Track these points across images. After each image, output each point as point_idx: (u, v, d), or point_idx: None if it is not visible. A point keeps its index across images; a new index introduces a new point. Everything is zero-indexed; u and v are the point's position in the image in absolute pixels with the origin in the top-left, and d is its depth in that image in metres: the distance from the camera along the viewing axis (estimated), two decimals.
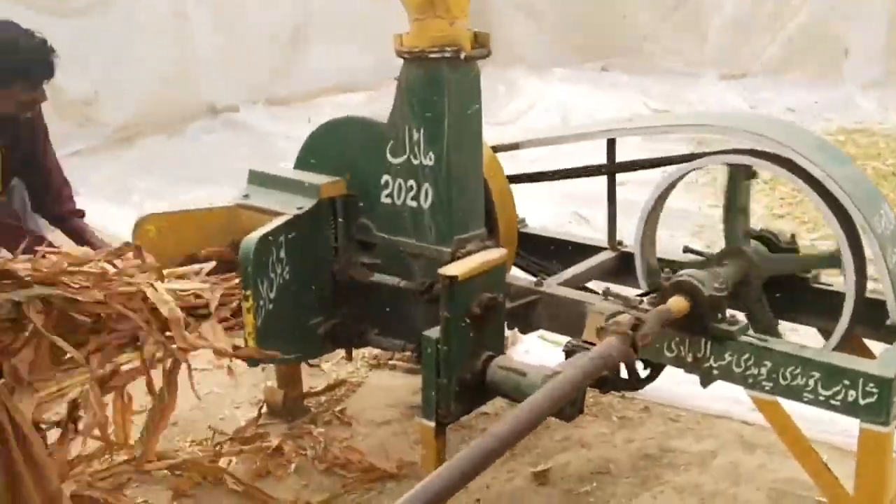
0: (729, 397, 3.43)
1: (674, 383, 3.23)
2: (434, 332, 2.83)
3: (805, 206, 5.99)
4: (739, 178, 3.05)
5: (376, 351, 4.13)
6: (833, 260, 2.85)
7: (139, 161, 7.85)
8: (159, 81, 8.36)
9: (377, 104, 8.71)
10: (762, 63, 10.42)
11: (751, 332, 2.62)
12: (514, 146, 3.55)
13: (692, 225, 5.95)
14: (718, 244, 3.21)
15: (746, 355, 2.58)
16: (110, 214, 6.37)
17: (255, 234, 2.95)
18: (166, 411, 2.96)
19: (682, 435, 3.55)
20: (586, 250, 3.53)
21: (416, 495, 1.86)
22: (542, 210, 5.91)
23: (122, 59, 7.99)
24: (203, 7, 8.94)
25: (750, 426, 3.54)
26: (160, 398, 2.91)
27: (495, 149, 3.45)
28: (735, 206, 3.06)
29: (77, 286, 2.72)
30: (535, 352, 4.09)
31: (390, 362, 4.22)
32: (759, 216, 5.99)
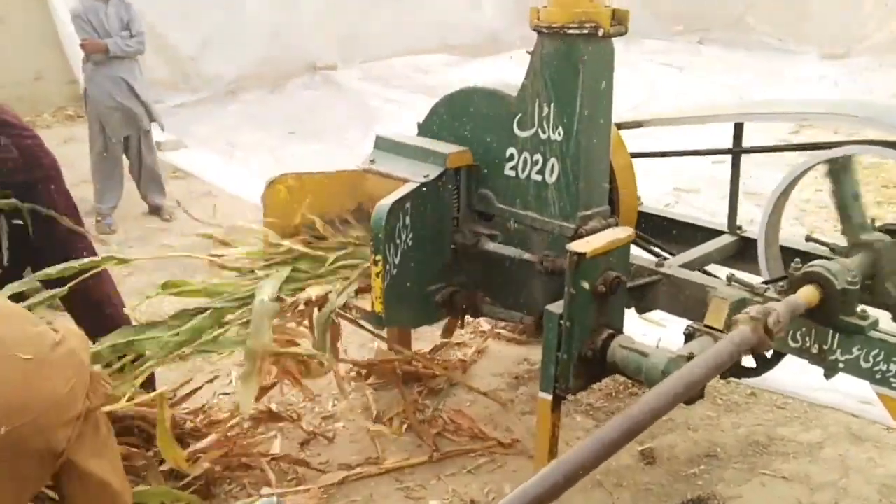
0: (836, 388, 3.40)
1: (783, 369, 3.22)
2: (557, 307, 2.85)
3: None
4: (841, 171, 2.95)
5: (483, 319, 4.18)
6: None
7: (243, 114, 7.99)
8: (264, 38, 8.51)
9: (477, 69, 8.71)
10: (868, 44, 10.12)
11: (882, 327, 2.59)
12: (637, 124, 3.53)
13: (794, 210, 5.85)
14: (823, 230, 3.15)
15: (876, 351, 2.56)
16: (215, 167, 6.54)
17: (387, 201, 3.01)
18: None
19: (789, 423, 3.54)
20: (706, 233, 3.50)
21: (550, 475, 1.89)
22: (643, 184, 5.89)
23: (229, 16, 8.16)
24: None
25: (858, 419, 3.52)
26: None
27: (619, 126, 3.44)
28: (847, 199, 2.97)
29: None
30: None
31: (495, 331, 4.27)
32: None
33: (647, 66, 10.10)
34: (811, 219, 5.61)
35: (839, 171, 2.96)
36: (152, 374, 3.11)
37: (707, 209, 5.63)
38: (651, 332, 4.16)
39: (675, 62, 10.27)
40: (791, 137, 7.14)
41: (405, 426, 3.50)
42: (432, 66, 9.90)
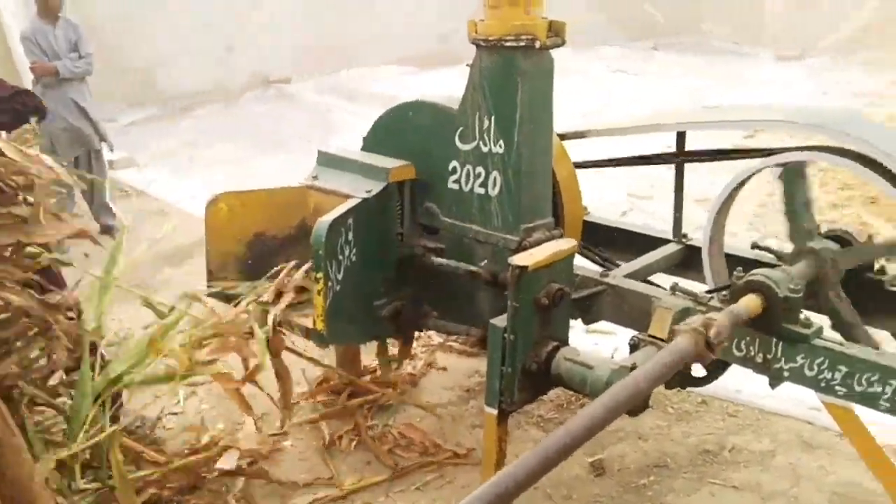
0: (787, 396, 3.40)
1: (732, 377, 3.21)
2: (501, 321, 2.82)
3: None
4: (795, 176, 2.95)
5: (433, 333, 4.15)
6: None
7: (197, 130, 7.92)
8: (216, 54, 8.46)
9: (435, 80, 8.71)
10: (822, 45, 10.23)
11: (825, 335, 2.59)
12: (581, 134, 3.52)
13: (749, 215, 5.88)
14: (775, 233, 3.15)
15: (820, 359, 2.55)
16: (169, 185, 6.46)
17: (327, 218, 2.97)
18: None
19: (740, 431, 3.53)
20: (652, 242, 3.49)
21: (490, 489, 1.87)
22: (598, 192, 5.91)
23: (182, 32, 8.09)
24: None
25: (809, 426, 3.52)
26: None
27: (562, 137, 3.42)
28: (796, 205, 2.97)
29: None
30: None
31: (447, 345, 4.23)
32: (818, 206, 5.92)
33: (602, 73, 10.15)
34: (766, 223, 5.64)
35: (791, 178, 2.96)
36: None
37: (661, 215, 5.63)
38: (603, 341, 4.16)
39: (630, 68, 10.32)
40: (746, 142, 7.18)
41: (354, 443, 3.44)
42: (387, 77, 9.88)
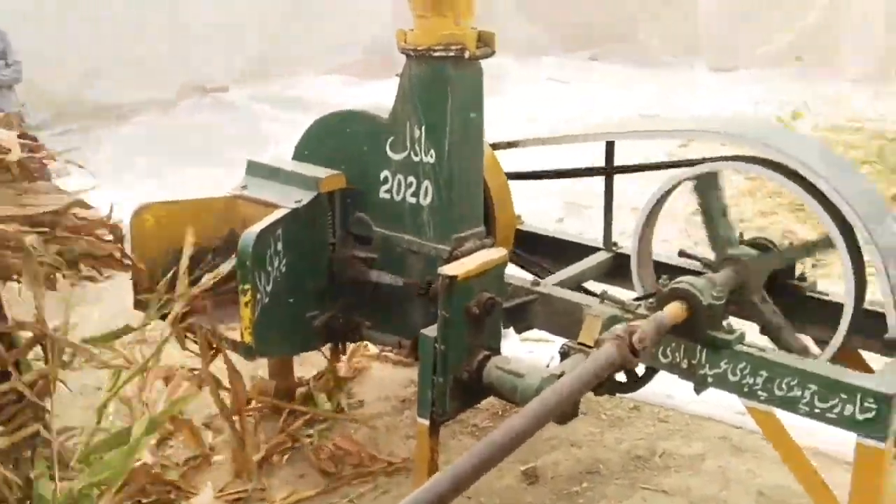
0: (717, 400, 3.45)
1: (663, 382, 3.25)
2: (432, 331, 2.83)
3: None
4: (708, 187, 3.02)
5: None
6: (825, 243, 2.83)
7: (132, 140, 7.81)
8: (152, 62, 8.34)
9: (377, 90, 8.71)
10: (754, 57, 10.43)
11: (747, 341, 2.64)
12: (513, 144, 3.54)
13: (682, 223, 5.96)
14: (707, 241, 3.18)
15: (742, 364, 2.60)
16: (102, 195, 6.33)
17: (254, 229, 2.94)
18: None
19: (671, 436, 3.58)
20: (582, 250, 3.53)
21: (421, 496, 1.87)
22: (534, 201, 5.96)
23: (116, 41, 7.97)
24: None
25: (738, 429, 3.57)
26: None
27: (494, 146, 3.44)
28: (713, 214, 3.03)
29: None
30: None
31: (383, 355, 4.22)
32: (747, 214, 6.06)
33: (541, 83, 10.24)
34: (699, 231, 5.72)
35: (704, 188, 3.01)
36: None
37: (598, 223, 5.68)
38: (538, 349, 4.18)
39: (569, 78, 10.42)
40: (681, 151, 7.29)
41: (286, 457, 3.41)
42: (328, 86, 9.84)
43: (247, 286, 2.92)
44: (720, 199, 3.04)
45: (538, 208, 6.07)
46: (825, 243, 2.80)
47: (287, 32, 9.95)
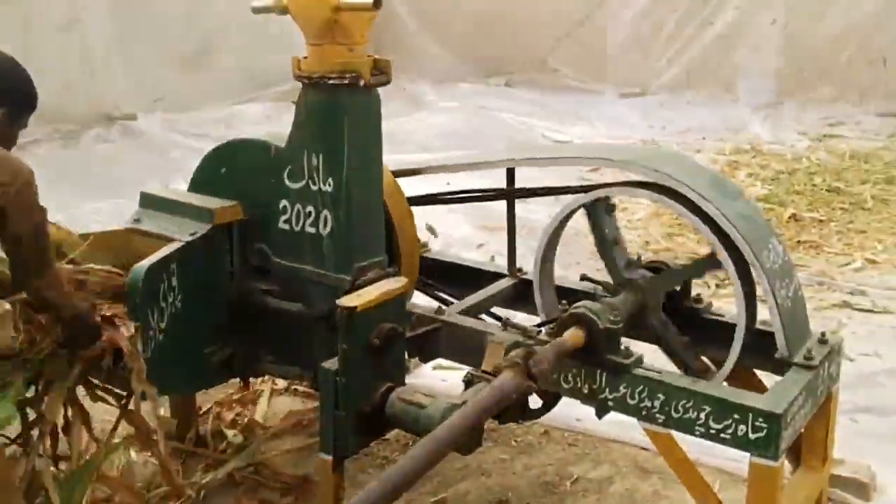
0: (625, 422, 3.47)
1: (572, 405, 3.26)
2: (332, 364, 2.78)
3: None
4: (601, 213, 3.07)
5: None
6: (712, 261, 2.89)
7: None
8: (54, 89, 8.12)
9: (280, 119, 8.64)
10: (660, 83, 10.69)
11: (645, 364, 2.66)
12: (414, 171, 3.53)
13: (591, 245, 6.03)
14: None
15: (640, 387, 2.62)
16: None
17: (144, 264, 2.86)
18: None
19: (580, 461, 3.58)
20: (486, 276, 3.53)
21: None
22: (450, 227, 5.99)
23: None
24: (100, 12, 8.71)
25: (644, 451, 3.59)
26: None
27: (396, 174, 3.42)
28: (607, 239, 3.08)
29: None
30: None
31: (292, 388, 4.14)
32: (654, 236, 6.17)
33: (457, 110, 10.29)
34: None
35: (596, 214, 3.05)
36: None
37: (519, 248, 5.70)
38: (451, 377, 4.15)
39: (484, 104, 10.50)
40: (592, 175, 7.39)
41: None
42: (244, 115, 9.71)
43: (137, 323, 2.83)
44: (613, 224, 3.08)
45: (458, 235, 6.12)
46: (713, 261, 2.85)
47: (200, 57, 9.79)
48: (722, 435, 2.46)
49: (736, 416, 2.42)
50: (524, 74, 11.75)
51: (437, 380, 4.09)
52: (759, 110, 9.78)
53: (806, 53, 9.98)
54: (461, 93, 10.99)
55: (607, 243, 3.04)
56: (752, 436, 2.40)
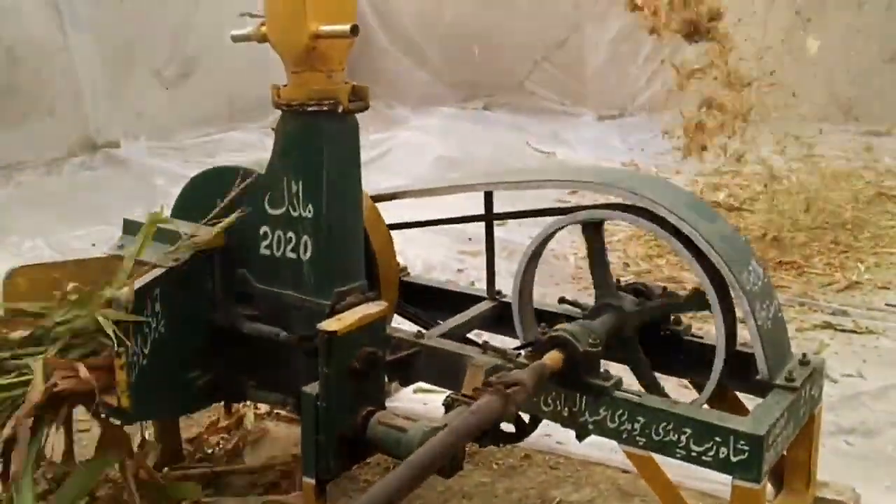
0: (606, 444, 3.48)
1: (554, 429, 3.27)
2: (313, 388, 2.79)
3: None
4: (594, 233, 3.09)
5: None
6: (700, 300, 2.91)
7: (15, 199, 7.57)
8: (37, 116, 8.12)
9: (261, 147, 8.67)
10: (638, 104, 10.79)
11: (625, 387, 2.68)
12: (393, 196, 3.55)
13: (572, 267, 6.07)
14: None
15: (620, 410, 2.63)
16: None
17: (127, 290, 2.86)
18: None
19: (561, 484, 3.59)
20: (466, 300, 3.54)
21: None
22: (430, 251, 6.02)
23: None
24: (84, 39, 8.72)
25: (626, 474, 3.60)
26: None
27: (375, 198, 3.45)
28: (599, 260, 3.10)
29: None
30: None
31: (274, 412, 4.13)
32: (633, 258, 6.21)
33: (436, 133, 10.35)
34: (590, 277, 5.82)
35: (590, 234, 3.07)
36: None
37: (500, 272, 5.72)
38: (432, 400, 4.16)
39: (462, 128, 10.57)
40: (571, 197, 7.44)
41: None
42: (226, 142, 9.73)
43: (121, 349, 2.83)
44: (601, 246, 3.10)
45: (438, 259, 6.14)
46: (700, 302, 2.87)
47: (182, 83, 9.80)
48: (703, 457, 2.47)
49: (717, 439, 2.43)
50: (502, 97, 11.83)
51: (418, 403, 4.09)
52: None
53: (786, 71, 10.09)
54: (439, 116, 11.04)
55: (600, 264, 3.06)
56: (733, 458, 2.41)
